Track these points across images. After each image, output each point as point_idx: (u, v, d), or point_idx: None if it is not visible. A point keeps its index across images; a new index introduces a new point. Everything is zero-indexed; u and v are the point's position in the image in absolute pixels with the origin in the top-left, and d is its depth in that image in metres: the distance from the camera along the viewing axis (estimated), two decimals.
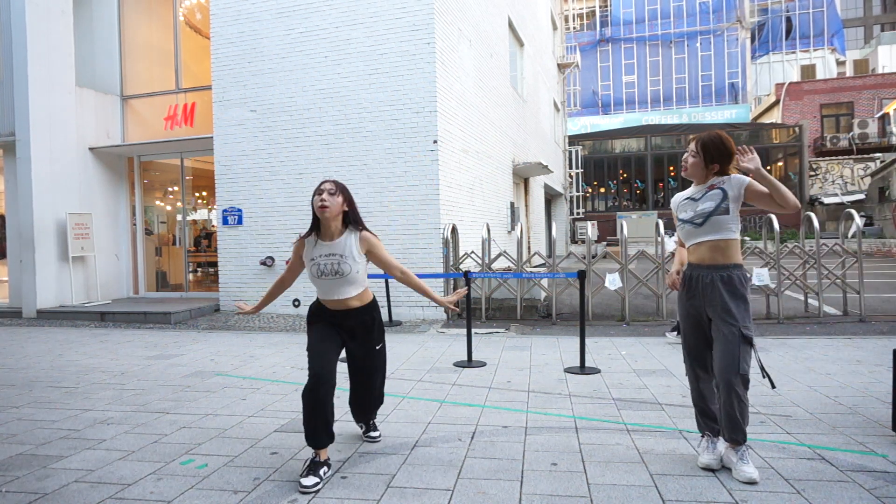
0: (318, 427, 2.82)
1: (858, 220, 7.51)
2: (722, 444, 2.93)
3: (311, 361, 2.87)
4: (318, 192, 2.91)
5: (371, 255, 3.01)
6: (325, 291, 2.98)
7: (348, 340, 3.08)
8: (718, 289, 2.82)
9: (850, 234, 9.13)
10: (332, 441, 2.91)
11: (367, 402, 3.26)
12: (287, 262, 8.68)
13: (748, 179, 2.84)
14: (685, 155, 3.00)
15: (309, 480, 2.72)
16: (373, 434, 3.38)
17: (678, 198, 3.07)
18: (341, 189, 2.95)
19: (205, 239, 12.16)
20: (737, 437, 2.78)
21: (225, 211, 9.13)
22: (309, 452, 3.20)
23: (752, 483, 2.68)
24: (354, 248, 2.95)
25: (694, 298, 2.92)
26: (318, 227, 2.99)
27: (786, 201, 2.68)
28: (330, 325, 3.04)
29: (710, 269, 2.86)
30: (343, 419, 3.83)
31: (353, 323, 3.04)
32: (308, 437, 2.85)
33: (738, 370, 2.73)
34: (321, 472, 2.80)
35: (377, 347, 3.14)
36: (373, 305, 3.13)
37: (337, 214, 2.93)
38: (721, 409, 2.83)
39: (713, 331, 2.87)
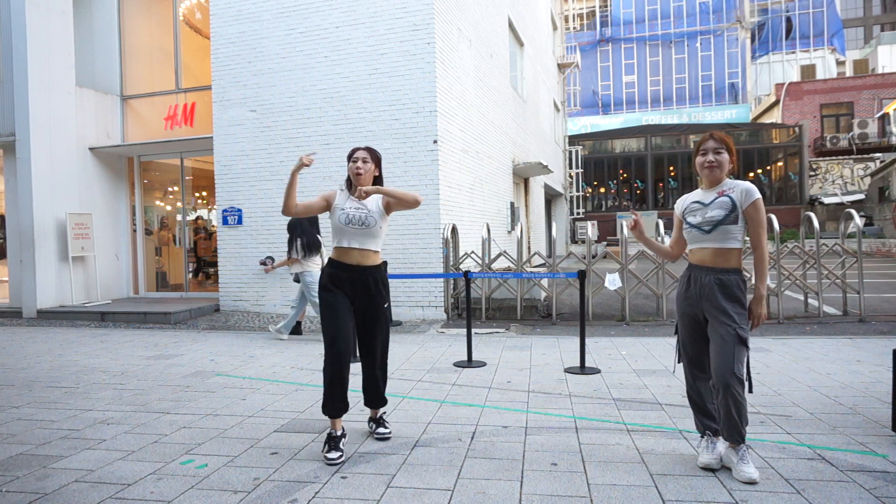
0: (335, 397, 3.15)
1: (858, 220, 7.50)
2: (722, 444, 2.93)
3: (332, 337, 3.16)
4: (353, 159, 3.32)
5: (388, 204, 3.32)
6: (348, 239, 3.23)
7: (359, 299, 3.25)
8: (715, 290, 2.84)
9: (847, 233, 9.13)
10: (347, 410, 3.22)
11: (374, 370, 3.32)
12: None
13: (756, 196, 2.84)
14: (705, 158, 2.89)
15: (334, 454, 3.04)
16: (382, 431, 3.39)
17: (685, 200, 3.05)
18: (374, 157, 3.36)
19: (205, 239, 12.15)
20: (735, 437, 2.79)
21: (225, 211, 9.13)
22: (309, 453, 3.21)
23: (751, 483, 2.68)
24: (377, 207, 3.30)
25: (691, 298, 2.94)
26: (350, 185, 3.37)
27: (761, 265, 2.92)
28: (343, 294, 3.23)
29: (709, 270, 2.88)
30: (344, 420, 3.82)
31: (366, 277, 3.26)
32: (326, 407, 3.16)
33: (733, 371, 2.74)
34: (341, 444, 3.12)
35: (385, 305, 3.33)
36: (382, 267, 3.38)
37: (370, 179, 3.34)
38: (719, 410, 2.84)
39: (710, 331, 2.89)
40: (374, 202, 3.30)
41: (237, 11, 9.00)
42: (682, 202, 3.07)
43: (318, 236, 7.04)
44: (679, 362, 3.11)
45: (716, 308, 2.83)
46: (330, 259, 3.32)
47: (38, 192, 9.22)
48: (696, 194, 3.01)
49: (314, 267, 6.90)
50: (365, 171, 3.30)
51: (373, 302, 3.28)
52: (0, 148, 9.58)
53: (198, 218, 12.18)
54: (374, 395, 3.40)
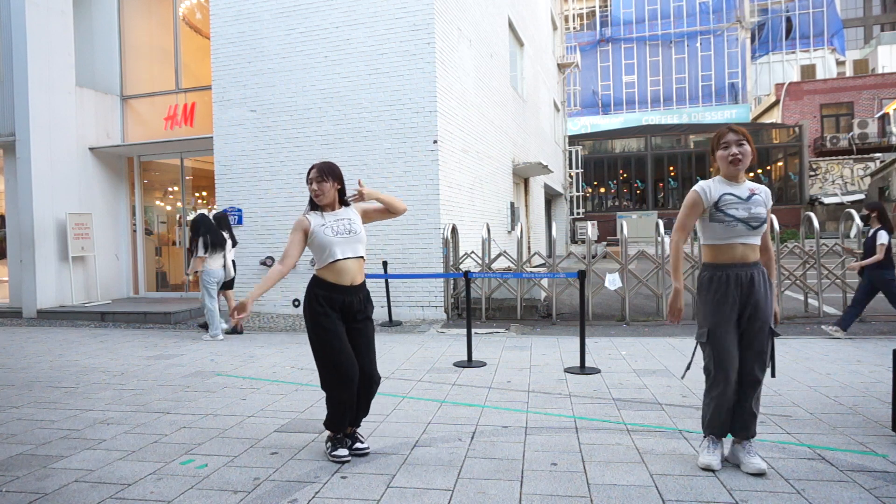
0: (347, 419, 3.13)
1: (858, 220, 7.50)
2: (723, 446, 2.95)
3: (341, 363, 3.04)
4: (309, 181, 3.20)
5: (366, 214, 3.34)
6: (341, 249, 3.12)
7: (352, 319, 3.17)
8: (758, 285, 2.82)
9: (852, 235, 9.12)
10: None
11: (372, 380, 3.19)
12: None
13: (771, 203, 2.93)
14: (728, 151, 2.84)
15: (342, 451, 3.08)
16: (360, 446, 3.18)
17: (715, 190, 2.88)
18: (329, 173, 3.20)
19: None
20: (752, 432, 2.86)
21: (225, 211, 9.13)
22: (309, 453, 3.21)
23: (761, 474, 2.75)
24: (355, 214, 3.28)
25: (730, 298, 2.82)
26: (315, 206, 3.26)
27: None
28: (337, 315, 3.11)
29: (747, 266, 2.84)
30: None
31: (360, 297, 3.19)
32: (337, 427, 3.13)
33: (764, 367, 2.80)
34: (346, 442, 3.16)
35: (371, 317, 3.31)
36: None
37: (333, 196, 3.22)
38: (742, 407, 2.85)
39: (746, 329, 2.83)
40: (348, 210, 3.26)
41: (237, 11, 9.00)
42: (710, 191, 2.89)
43: (225, 235, 7.41)
44: (689, 368, 3.02)
45: (758, 306, 2.82)
46: (320, 280, 3.13)
47: (38, 192, 9.22)
48: (723, 185, 2.88)
49: (214, 265, 7.22)
50: (322, 192, 3.17)
51: (363, 319, 3.20)
52: (0, 148, 9.58)
53: None
54: (366, 411, 3.25)
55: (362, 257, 3.22)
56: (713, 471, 2.84)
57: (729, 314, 2.83)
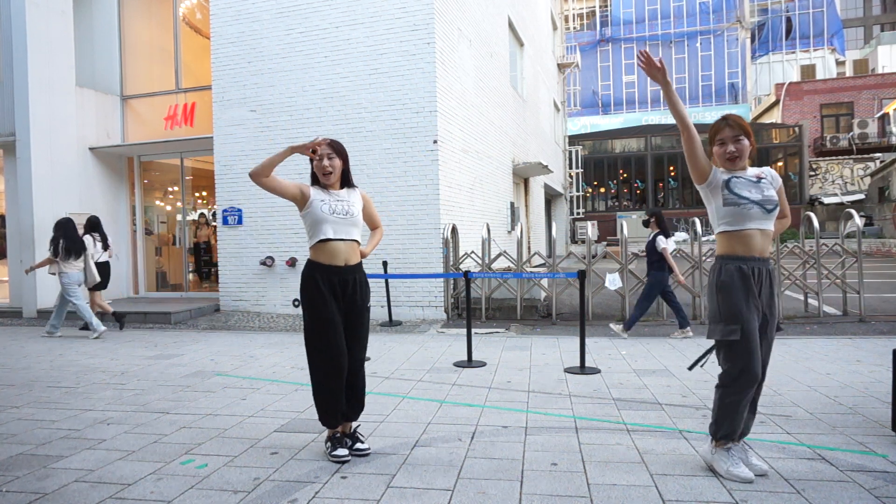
0: (339, 409, 3.10)
1: (858, 220, 7.50)
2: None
3: (333, 353, 3.04)
4: (318, 157, 3.10)
5: (366, 207, 3.32)
6: (334, 230, 3.07)
7: (347, 303, 3.12)
8: (771, 283, 2.77)
9: (846, 233, 9.13)
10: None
11: (359, 377, 3.18)
12: (287, 262, 8.69)
13: (780, 182, 2.86)
14: (724, 148, 2.77)
15: (342, 451, 3.05)
16: (361, 447, 3.15)
17: (724, 172, 2.79)
18: (338, 151, 3.14)
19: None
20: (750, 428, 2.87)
21: (225, 211, 9.14)
22: (309, 453, 3.21)
23: (762, 475, 2.75)
24: (357, 199, 3.23)
25: (754, 295, 2.72)
26: (317, 182, 3.19)
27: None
28: (333, 301, 3.06)
29: (764, 261, 2.76)
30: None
31: (354, 279, 3.15)
32: (330, 419, 3.10)
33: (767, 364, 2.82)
34: (346, 441, 3.13)
35: (368, 305, 3.26)
36: (362, 266, 3.30)
37: (339, 176, 3.18)
38: (751, 408, 2.84)
39: (761, 326, 2.77)
40: (351, 193, 3.19)
41: (237, 11, 9.01)
42: (723, 174, 2.80)
43: (92, 238, 7.65)
44: (702, 366, 2.90)
45: (773, 302, 2.78)
46: (315, 263, 3.08)
47: (39, 192, 9.22)
48: (728, 172, 2.80)
49: (73, 269, 7.34)
50: (333, 169, 3.10)
51: (359, 305, 3.16)
52: (0, 148, 9.58)
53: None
54: (358, 404, 3.21)
55: (356, 241, 3.16)
56: (751, 481, 2.69)
57: (755, 310, 2.71)
